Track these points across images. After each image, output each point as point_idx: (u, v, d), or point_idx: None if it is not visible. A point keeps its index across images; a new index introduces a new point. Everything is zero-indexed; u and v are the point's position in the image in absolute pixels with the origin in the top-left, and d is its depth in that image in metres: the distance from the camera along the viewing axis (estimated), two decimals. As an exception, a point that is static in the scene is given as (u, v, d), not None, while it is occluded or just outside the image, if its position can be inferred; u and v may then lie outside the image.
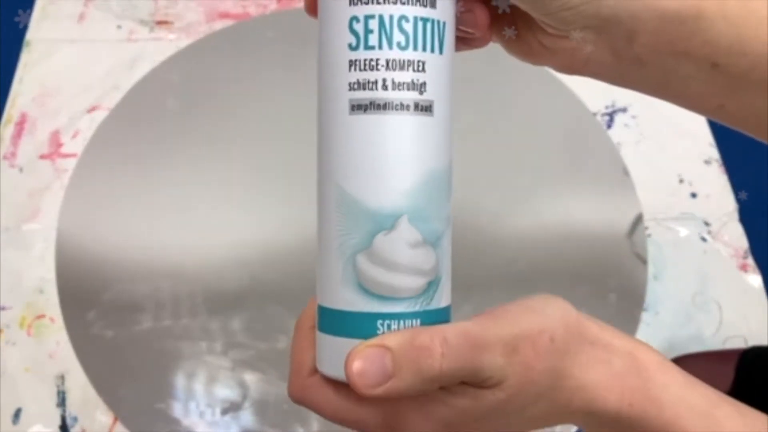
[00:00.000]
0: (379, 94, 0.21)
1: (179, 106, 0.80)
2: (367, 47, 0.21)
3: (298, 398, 0.24)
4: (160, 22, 0.93)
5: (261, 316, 0.66)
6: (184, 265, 0.69)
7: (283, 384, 0.62)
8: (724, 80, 0.25)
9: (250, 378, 0.63)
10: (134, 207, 0.73)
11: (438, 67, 0.23)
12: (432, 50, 0.22)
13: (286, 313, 0.66)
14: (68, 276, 0.68)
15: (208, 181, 0.75)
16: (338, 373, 0.22)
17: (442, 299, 0.24)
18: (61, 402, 0.66)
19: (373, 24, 0.21)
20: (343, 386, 0.22)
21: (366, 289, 0.22)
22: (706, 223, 0.81)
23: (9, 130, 0.83)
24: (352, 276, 0.22)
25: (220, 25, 0.92)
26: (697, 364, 0.63)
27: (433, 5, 0.22)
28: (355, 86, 0.22)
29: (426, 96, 0.22)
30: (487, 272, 0.68)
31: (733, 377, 0.61)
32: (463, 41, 0.27)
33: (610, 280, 0.70)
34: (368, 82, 0.21)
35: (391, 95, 0.21)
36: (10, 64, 0.88)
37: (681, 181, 0.82)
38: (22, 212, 0.77)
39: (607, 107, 0.87)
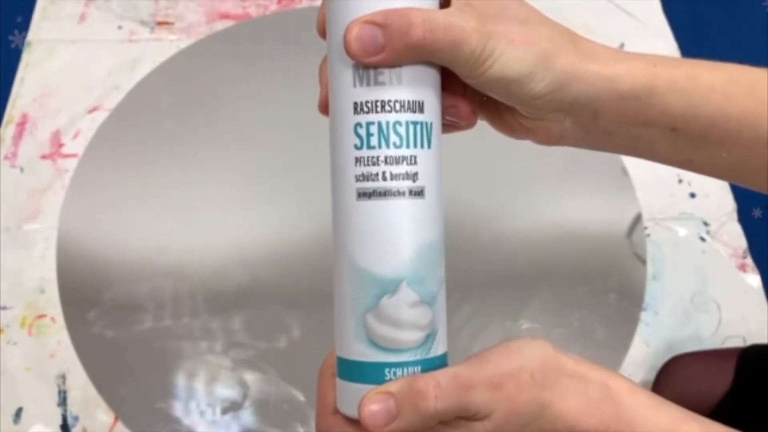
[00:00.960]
0: (380, 184, 0.27)
1: (180, 107, 0.80)
2: (369, 147, 0.27)
3: None
4: (160, 23, 0.93)
5: (261, 316, 0.66)
6: (185, 264, 0.69)
7: (284, 383, 0.63)
8: (686, 141, 0.29)
9: (251, 377, 0.63)
10: (135, 207, 0.73)
11: (427, 159, 0.27)
12: (422, 146, 0.27)
13: (287, 313, 0.66)
14: (69, 276, 0.69)
15: (209, 182, 0.75)
16: (355, 414, 0.27)
17: (439, 348, 0.28)
18: (62, 401, 0.67)
19: (373, 129, 0.26)
20: (360, 423, 0.27)
21: (375, 343, 0.27)
22: (705, 223, 0.81)
23: (10, 131, 0.83)
24: (363, 332, 0.27)
25: (220, 25, 0.92)
26: (696, 363, 0.63)
27: (421, 110, 0.27)
28: (361, 178, 0.27)
29: (418, 183, 0.27)
30: (487, 272, 0.68)
31: (732, 376, 0.62)
32: (453, 126, 0.31)
33: (609, 279, 0.70)
34: (371, 174, 0.27)
35: (390, 185, 0.27)
36: (10, 65, 0.89)
37: (680, 181, 0.82)
38: (22, 212, 0.77)
39: (606, 108, 0.87)
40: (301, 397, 0.62)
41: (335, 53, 0.28)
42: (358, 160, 0.27)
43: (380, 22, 0.25)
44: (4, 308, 0.71)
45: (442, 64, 0.27)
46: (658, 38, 0.97)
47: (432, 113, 0.28)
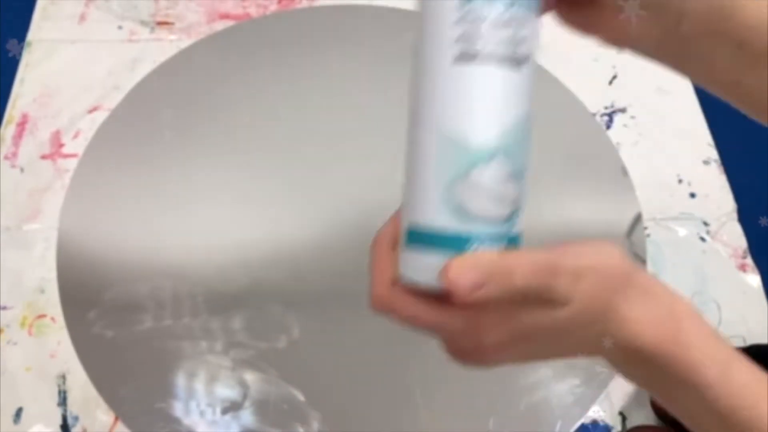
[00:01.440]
0: (485, 47, 0.24)
1: (180, 106, 0.80)
2: (474, 4, 0.24)
3: (382, 305, 0.27)
4: (160, 23, 0.93)
5: (261, 316, 0.66)
6: (185, 264, 0.69)
7: (284, 383, 0.63)
8: (747, 58, 0.29)
9: (251, 377, 0.63)
10: (135, 207, 0.73)
11: (532, 27, 0.25)
12: (528, 11, 0.25)
13: (287, 313, 0.66)
14: (69, 276, 0.69)
15: (209, 181, 0.75)
16: (431, 282, 0.26)
17: (520, 225, 0.28)
18: (62, 401, 0.67)
19: None
20: (426, 295, 0.26)
21: (462, 213, 0.25)
22: (705, 223, 0.81)
23: (10, 131, 0.83)
24: (450, 202, 0.25)
25: (220, 25, 0.92)
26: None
27: None
28: (461, 40, 0.24)
29: (521, 52, 0.25)
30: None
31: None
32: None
33: (609, 279, 0.70)
34: (475, 35, 0.24)
35: (495, 49, 0.24)
36: (9, 65, 0.89)
37: (680, 181, 0.82)
38: (23, 212, 0.77)
39: (606, 108, 0.88)
40: (301, 397, 0.62)
41: None
42: (460, 19, 0.25)
43: None
44: (5, 308, 0.71)
45: None
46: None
47: None
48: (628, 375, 0.29)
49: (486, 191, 0.25)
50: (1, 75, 0.90)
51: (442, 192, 0.26)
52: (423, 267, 0.26)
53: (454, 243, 0.26)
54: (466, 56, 0.24)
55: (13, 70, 0.88)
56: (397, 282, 0.27)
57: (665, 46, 0.30)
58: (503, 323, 0.26)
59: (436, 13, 0.25)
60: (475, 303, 0.25)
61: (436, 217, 0.26)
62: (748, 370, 0.28)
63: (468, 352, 0.28)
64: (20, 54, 0.88)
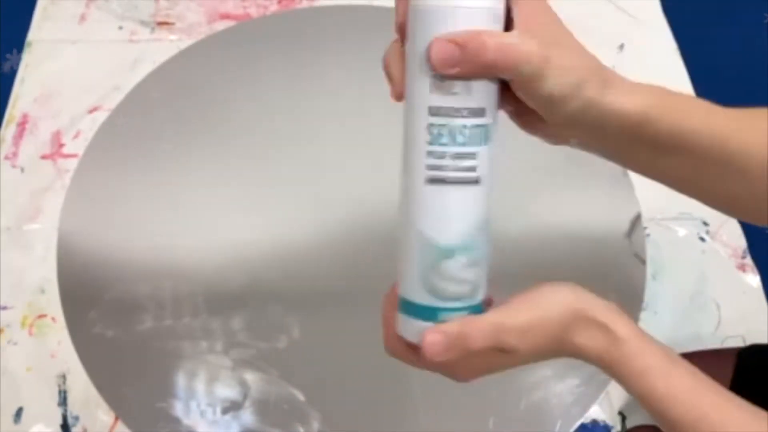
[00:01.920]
0: (446, 174, 0.33)
1: (180, 107, 0.80)
2: (440, 144, 0.33)
3: (393, 353, 0.38)
4: (161, 23, 0.93)
5: (261, 316, 0.66)
6: (185, 264, 0.69)
7: (284, 383, 0.63)
8: (656, 152, 0.37)
9: (251, 377, 0.63)
10: (135, 207, 0.73)
11: (484, 154, 0.33)
12: (481, 144, 0.33)
13: (287, 313, 0.66)
14: (69, 276, 0.69)
15: (209, 181, 0.75)
16: (415, 341, 0.35)
17: (480, 295, 0.36)
18: (63, 401, 0.67)
19: (444, 130, 0.32)
20: (416, 348, 0.35)
21: (434, 292, 0.35)
22: (705, 223, 0.81)
23: (11, 131, 0.83)
24: (425, 284, 0.35)
25: (221, 26, 0.92)
26: (695, 362, 0.63)
27: (483, 115, 0.33)
28: (430, 168, 0.33)
29: (476, 174, 0.33)
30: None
31: (731, 375, 0.62)
32: None
33: (608, 279, 0.71)
34: (439, 165, 0.33)
35: (454, 175, 0.33)
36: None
37: (680, 181, 0.82)
38: (23, 212, 0.78)
39: (606, 108, 0.88)
40: (301, 397, 0.62)
41: (415, 60, 0.33)
42: (429, 153, 0.33)
43: (460, 42, 0.31)
44: (5, 308, 0.71)
45: (504, 78, 0.33)
46: (658, 38, 0.98)
47: (491, 116, 0.33)
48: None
49: (450, 277, 0.34)
50: (1, 75, 0.90)
51: (419, 276, 0.35)
52: (410, 329, 0.36)
53: (429, 314, 0.35)
54: (435, 180, 0.33)
55: (13, 71, 0.88)
56: (399, 336, 0.36)
57: (596, 149, 0.39)
58: (470, 366, 0.36)
59: (412, 145, 0.33)
60: (444, 363, 0.34)
61: (416, 294, 0.35)
62: (686, 375, 0.35)
63: (455, 378, 0.38)
64: (18, 65, 0.88)
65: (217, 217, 0.73)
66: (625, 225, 0.74)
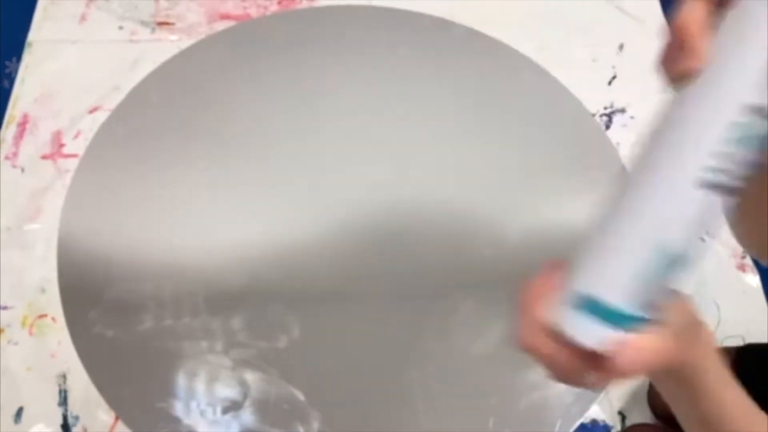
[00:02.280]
0: (722, 180, 0.28)
1: (180, 107, 0.80)
2: (734, 146, 0.28)
3: (528, 347, 0.33)
4: (161, 23, 0.93)
5: (262, 316, 0.66)
6: (185, 264, 0.69)
7: (284, 383, 0.63)
8: None
9: (251, 377, 0.63)
10: (135, 207, 0.73)
11: (752, 165, 0.29)
12: (759, 154, 0.29)
13: (287, 313, 0.67)
14: (70, 275, 0.69)
15: (209, 181, 0.75)
16: (593, 344, 0.31)
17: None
18: (63, 401, 0.67)
19: (748, 133, 0.28)
20: (569, 345, 0.32)
21: (644, 303, 0.31)
22: (705, 224, 0.81)
23: (11, 131, 0.83)
24: (640, 290, 0.30)
25: (221, 26, 0.92)
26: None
27: None
28: (709, 170, 0.28)
29: (739, 185, 0.29)
30: (486, 272, 0.68)
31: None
32: None
33: (608, 279, 0.71)
34: (720, 169, 0.28)
35: (728, 182, 0.29)
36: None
37: (679, 181, 0.82)
38: (23, 212, 0.78)
39: (605, 108, 0.88)
40: (301, 397, 0.62)
41: (748, 39, 0.27)
42: (714, 153, 0.28)
43: None
44: (5, 308, 0.72)
45: None
46: (658, 39, 0.98)
47: None
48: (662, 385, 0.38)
49: (668, 289, 0.31)
50: (1, 75, 0.90)
51: (633, 280, 0.30)
52: (590, 332, 0.31)
53: (622, 321, 0.31)
54: (708, 184, 0.28)
55: (11, 78, 0.88)
56: (547, 330, 0.33)
57: None
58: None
59: (689, 135, 0.29)
60: (628, 375, 0.31)
61: (617, 297, 0.31)
62: (739, 397, 0.37)
63: (570, 381, 0.34)
64: (17, 72, 0.88)
65: (217, 217, 0.73)
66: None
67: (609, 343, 0.30)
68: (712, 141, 0.28)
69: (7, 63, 0.88)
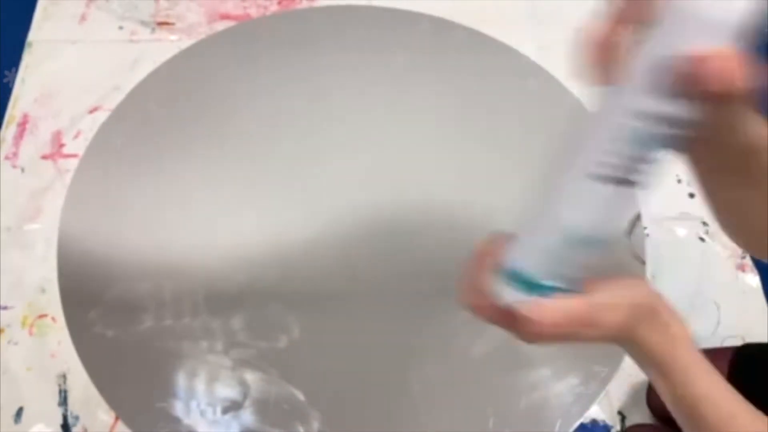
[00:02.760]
0: (616, 174, 0.33)
1: (180, 107, 0.80)
2: (625, 144, 0.32)
3: (473, 305, 0.40)
4: (161, 23, 0.93)
5: (261, 316, 0.66)
6: (185, 264, 0.69)
7: (284, 383, 0.63)
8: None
9: (251, 377, 0.63)
10: (135, 207, 0.73)
11: (657, 163, 0.33)
12: (660, 152, 0.33)
13: (287, 313, 0.67)
14: (70, 275, 0.69)
15: (209, 181, 0.75)
16: (516, 306, 0.36)
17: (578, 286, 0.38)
18: (63, 401, 0.67)
19: (639, 134, 0.31)
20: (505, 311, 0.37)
21: (555, 273, 0.36)
22: (704, 223, 0.81)
23: (11, 131, 0.83)
24: (551, 264, 0.36)
25: (221, 26, 0.92)
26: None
27: (681, 128, 0.32)
28: (602, 165, 0.33)
29: (642, 178, 0.33)
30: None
31: (726, 373, 0.62)
32: None
33: (608, 279, 0.71)
34: (613, 165, 0.32)
35: (623, 176, 0.33)
36: (10, 66, 0.89)
37: (679, 181, 0.82)
38: (24, 212, 0.78)
39: (606, 108, 0.88)
40: (301, 397, 0.62)
41: (649, 54, 0.30)
42: (608, 151, 0.32)
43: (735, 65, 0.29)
44: (5, 308, 0.72)
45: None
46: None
47: (686, 131, 0.33)
48: (633, 357, 0.40)
49: (577, 264, 0.35)
50: (1, 75, 0.90)
51: (546, 255, 0.36)
52: (513, 296, 0.37)
53: (537, 289, 0.36)
54: (602, 177, 0.33)
55: (9, 87, 0.88)
56: (484, 292, 0.38)
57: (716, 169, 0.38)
58: (556, 333, 0.36)
59: (589, 133, 0.33)
60: (538, 328, 0.35)
61: (535, 270, 0.36)
62: (706, 371, 0.38)
63: (527, 338, 0.37)
64: (14, 81, 0.88)
65: (217, 217, 0.73)
66: (624, 225, 0.75)
67: (520, 303, 0.36)
68: (604, 140, 0.32)
69: (6, 72, 0.89)
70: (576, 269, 0.36)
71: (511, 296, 0.37)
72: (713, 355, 0.65)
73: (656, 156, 0.32)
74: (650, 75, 0.30)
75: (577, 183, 0.34)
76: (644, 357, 0.39)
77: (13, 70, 0.88)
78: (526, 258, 0.37)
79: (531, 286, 0.37)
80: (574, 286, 0.37)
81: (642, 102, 0.31)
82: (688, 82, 0.29)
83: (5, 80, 0.88)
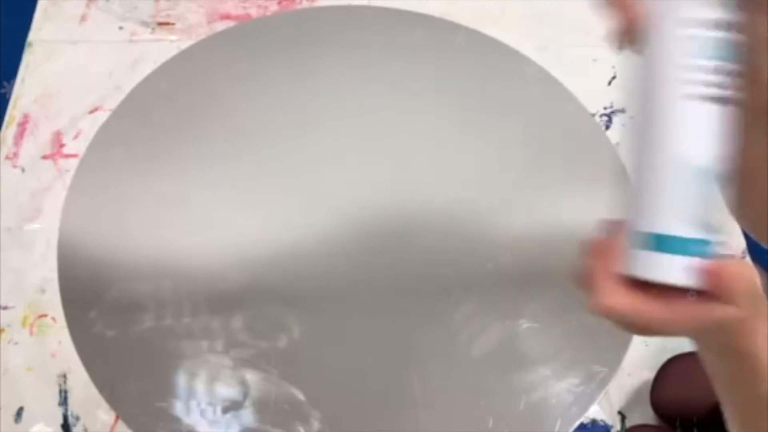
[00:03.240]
0: (716, 92, 0.30)
1: (180, 107, 0.80)
2: (707, 57, 0.30)
3: (608, 307, 0.32)
4: (161, 24, 0.93)
5: (262, 316, 0.66)
6: (186, 264, 0.69)
7: (284, 383, 0.63)
8: None
9: (251, 377, 0.63)
10: (136, 207, 0.73)
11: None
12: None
13: (287, 313, 0.67)
14: (70, 275, 0.69)
15: (210, 181, 0.75)
16: (682, 279, 0.30)
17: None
18: (63, 401, 0.67)
19: (714, 43, 0.30)
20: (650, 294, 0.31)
21: (703, 224, 0.31)
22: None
23: (11, 131, 0.83)
24: (693, 214, 0.31)
25: (221, 26, 0.93)
26: (694, 362, 0.63)
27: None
28: (698, 83, 0.30)
29: (731, 93, 0.30)
30: (486, 272, 0.68)
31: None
32: None
33: (608, 279, 0.71)
34: (709, 82, 0.30)
35: (722, 93, 0.30)
36: (9, 66, 0.89)
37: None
38: (24, 212, 0.78)
39: (605, 108, 0.88)
40: (301, 397, 0.63)
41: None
42: (693, 67, 0.30)
43: None
44: (6, 308, 0.72)
45: None
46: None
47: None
48: (713, 363, 0.35)
49: (716, 204, 0.31)
50: (1, 76, 0.90)
51: (684, 206, 0.31)
52: (672, 266, 0.31)
53: (699, 247, 0.31)
54: (705, 97, 0.30)
55: (13, 72, 0.88)
56: (625, 286, 0.32)
57: None
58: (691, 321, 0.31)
59: (663, 56, 0.31)
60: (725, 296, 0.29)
61: (681, 226, 0.31)
62: None
63: (648, 332, 0.32)
64: (11, 92, 0.88)
65: (217, 217, 0.73)
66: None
67: (696, 271, 0.30)
68: (681, 57, 0.30)
69: (5, 83, 0.89)
70: (710, 212, 0.32)
71: (672, 268, 0.31)
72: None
73: (736, 66, 0.30)
74: None
75: (675, 107, 0.31)
76: (723, 334, 0.33)
77: (12, 81, 0.88)
78: (661, 217, 0.32)
79: (685, 245, 0.31)
80: (719, 238, 0.32)
81: (707, 12, 0.29)
82: None
83: (2, 90, 0.88)
